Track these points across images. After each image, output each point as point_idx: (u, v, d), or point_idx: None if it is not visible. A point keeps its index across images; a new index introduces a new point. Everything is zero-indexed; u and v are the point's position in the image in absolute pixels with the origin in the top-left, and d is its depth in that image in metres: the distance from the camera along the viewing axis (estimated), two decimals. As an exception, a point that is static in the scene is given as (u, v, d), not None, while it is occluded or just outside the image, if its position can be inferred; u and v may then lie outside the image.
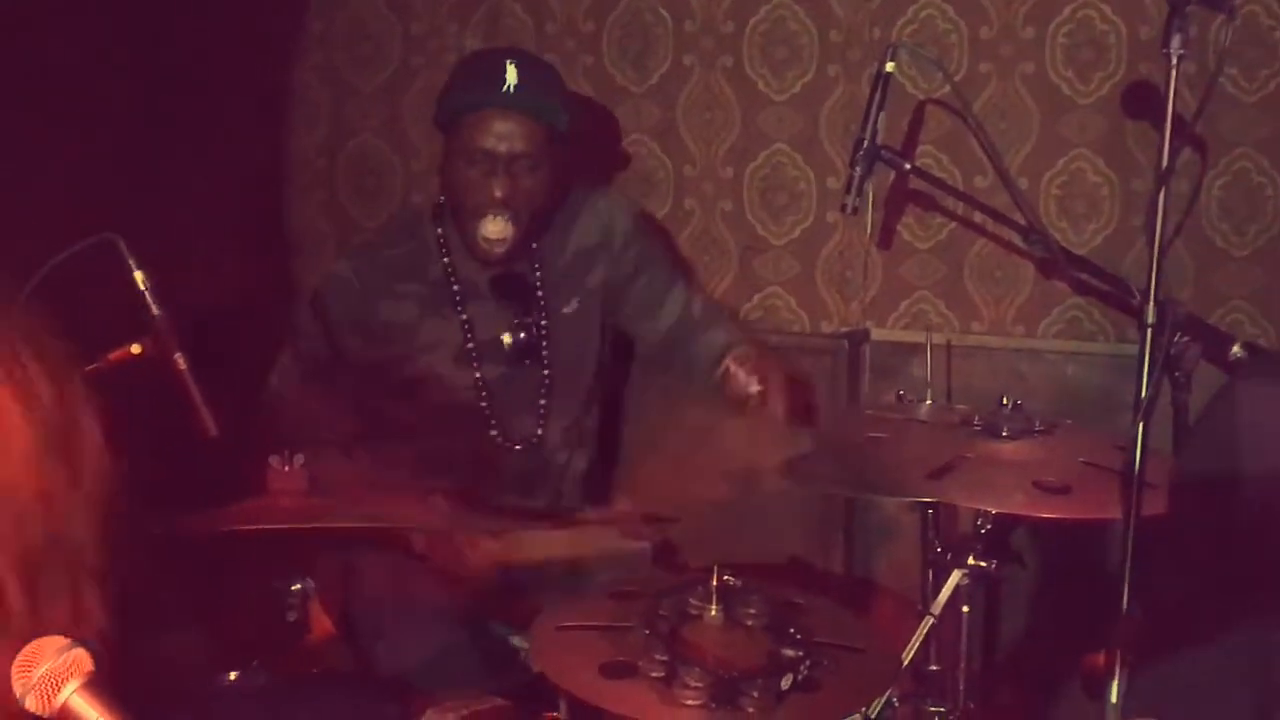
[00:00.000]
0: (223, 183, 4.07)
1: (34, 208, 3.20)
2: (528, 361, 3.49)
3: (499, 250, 3.39)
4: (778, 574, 3.66)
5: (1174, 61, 2.41)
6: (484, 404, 3.47)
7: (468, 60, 3.60)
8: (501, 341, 3.47)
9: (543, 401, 3.52)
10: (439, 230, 3.49)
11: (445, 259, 3.47)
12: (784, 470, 3.09)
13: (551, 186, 3.43)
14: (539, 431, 3.52)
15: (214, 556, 3.19)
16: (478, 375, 3.46)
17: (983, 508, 2.82)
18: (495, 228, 3.36)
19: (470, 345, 3.46)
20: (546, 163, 3.38)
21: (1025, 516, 2.99)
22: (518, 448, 3.51)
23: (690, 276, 3.81)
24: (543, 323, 3.51)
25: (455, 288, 3.47)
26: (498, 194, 3.32)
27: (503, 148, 3.32)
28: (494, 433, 3.49)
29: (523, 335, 3.47)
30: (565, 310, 3.55)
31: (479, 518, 3.18)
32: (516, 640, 2.85)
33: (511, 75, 3.31)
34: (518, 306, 3.50)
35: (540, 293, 3.52)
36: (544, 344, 3.51)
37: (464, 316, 3.47)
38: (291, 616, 2.53)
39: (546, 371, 3.52)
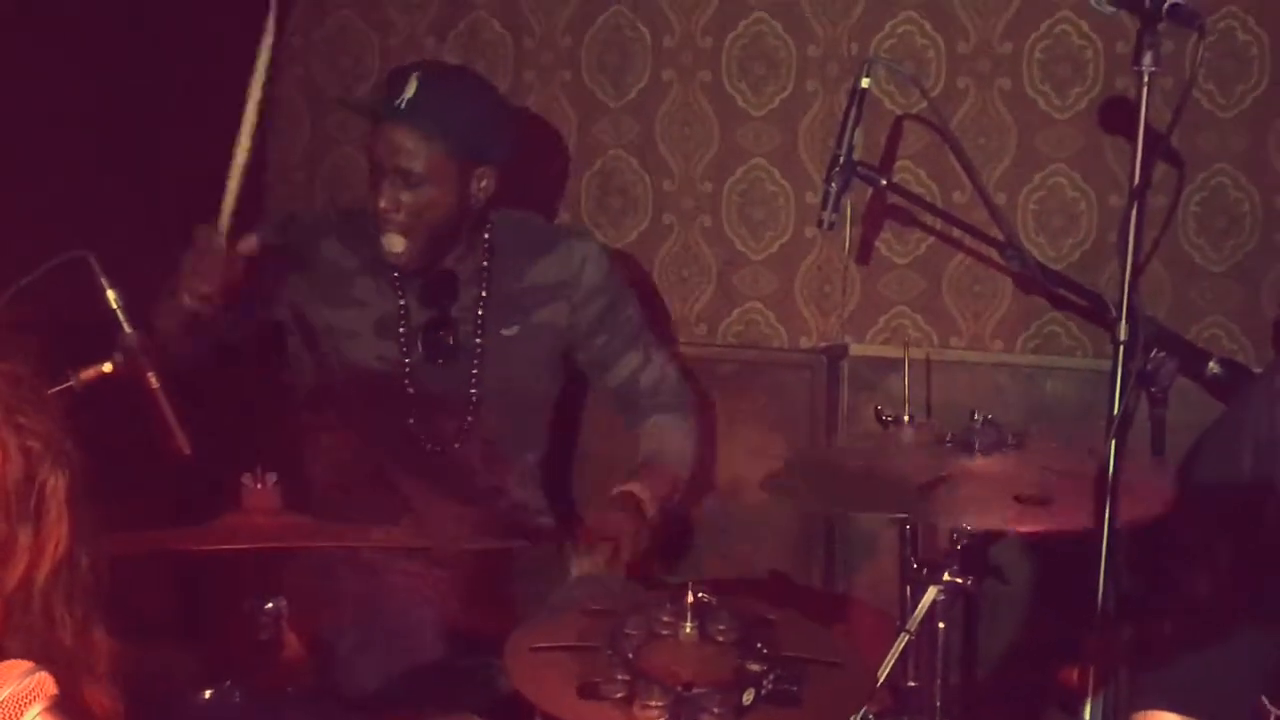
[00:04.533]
0: (199, 197, 4.06)
1: (4, 224, 3.18)
2: (440, 361, 3.45)
3: (399, 260, 3.36)
4: (756, 589, 3.67)
5: (1145, 78, 2.42)
6: (407, 385, 3.45)
7: (396, 68, 3.51)
8: (418, 336, 3.45)
9: (469, 417, 3.49)
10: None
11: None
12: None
13: (451, 205, 3.34)
14: (456, 444, 3.49)
15: (187, 575, 3.20)
16: (403, 349, 3.44)
17: (969, 525, 2.82)
18: (388, 240, 3.32)
19: (402, 316, 3.44)
20: (438, 181, 3.29)
21: (1003, 532, 3.01)
22: (430, 448, 3.48)
23: (654, 344, 3.70)
24: (477, 339, 3.47)
25: (395, 271, 3.43)
26: (381, 204, 3.28)
27: (389, 161, 3.27)
28: (411, 420, 3.46)
29: (426, 340, 3.45)
30: (504, 332, 3.49)
31: (450, 534, 3.19)
32: None
33: (410, 88, 3.25)
34: (436, 311, 3.47)
35: (481, 311, 3.47)
36: (475, 356, 3.47)
37: (401, 299, 3.44)
38: (264, 635, 2.52)
39: (474, 390, 3.48)
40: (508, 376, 3.51)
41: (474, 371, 3.47)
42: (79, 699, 1.56)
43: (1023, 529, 2.82)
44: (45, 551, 1.54)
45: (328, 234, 3.47)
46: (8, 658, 1.51)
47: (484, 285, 3.48)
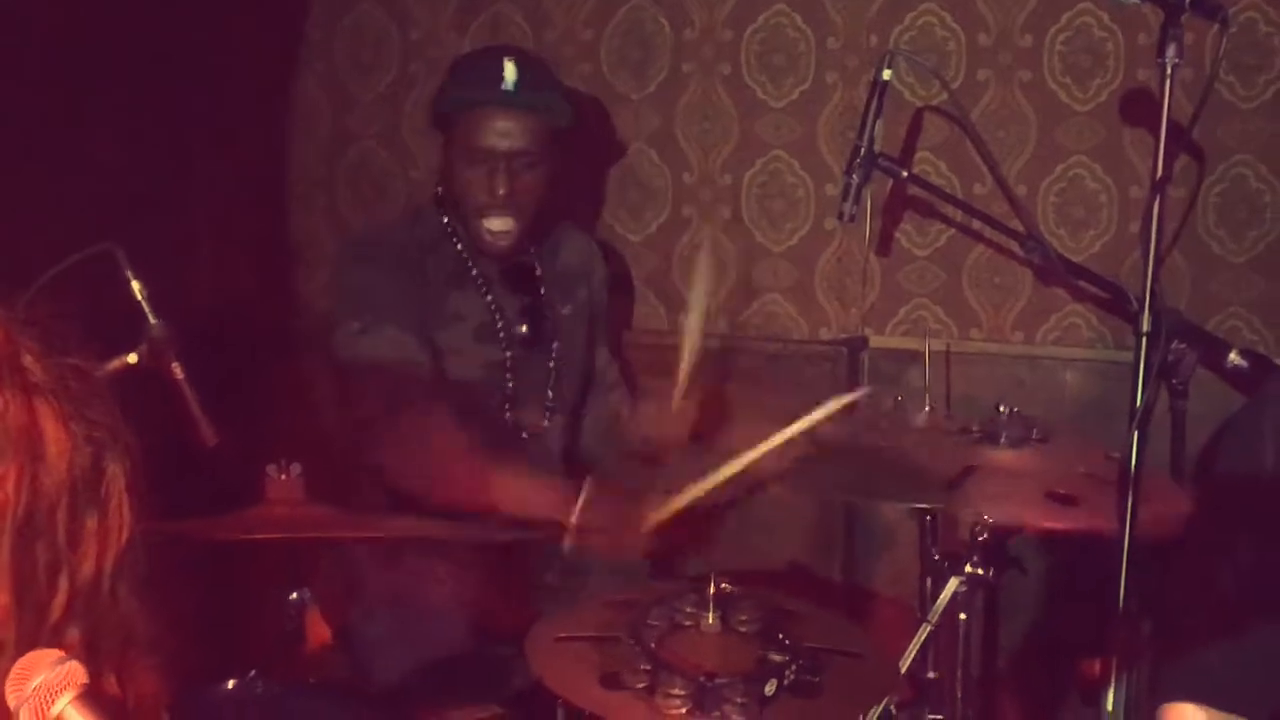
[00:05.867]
0: (223, 190, 4.08)
1: (33, 217, 3.20)
2: (537, 349, 3.50)
3: (504, 243, 3.39)
4: (777, 580, 3.68)
5: (1168, 70, 2.42)
6: (510, 384, 3.46)
7: (464, 59, 3.56)
8: (515, 327, 3.47)
9: (550, 393, 3.53)
10: (444, 220, 3.46)
11: (458, 245, 3.45)
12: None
13: (552, 182, 3.42)
14: (545, 423, 3.53)
15: (212, 565, 3.21)
16: (507, 354, 3.45)
17: (1000, 520, 2.81)
18: (500, 224, 3.36)
19: (499, 322, 3.46)
20: (547, 159, 3.37)
21: (1024, 525, 3.01)
22: (524, 435, 3.50)
23: (614, 340, 3.87)
24: (548, 316, 3.53)
25: (474, 270, 3.45)
26: (501, 192, 3.31)
27: (504, 145, 3.31)
28: (508, 415, 3.48)
29: (525, 327, 3.48)
30: (564, 311, 3.58)
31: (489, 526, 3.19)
32: None
33: (510, 72, 3.30)
34: (526, 297, 3.51)
35: (543, 290, 3.54)
36: (554, 338, 3.53)
37: (488, 297, 3.46)
38: (288, 626, 2.54)
39: (553, 364, 3.53)
40: (572, 353, 3.59)
41: (554, 349, 3.53)
42: (128, 684, 1.58)
43: (1054, 526, 2.81)
44: (110, 539, 1.56)
45: (415, 251, 3.45)
46: (69, 644, 1.53)
47: (539, 266, 3.55)
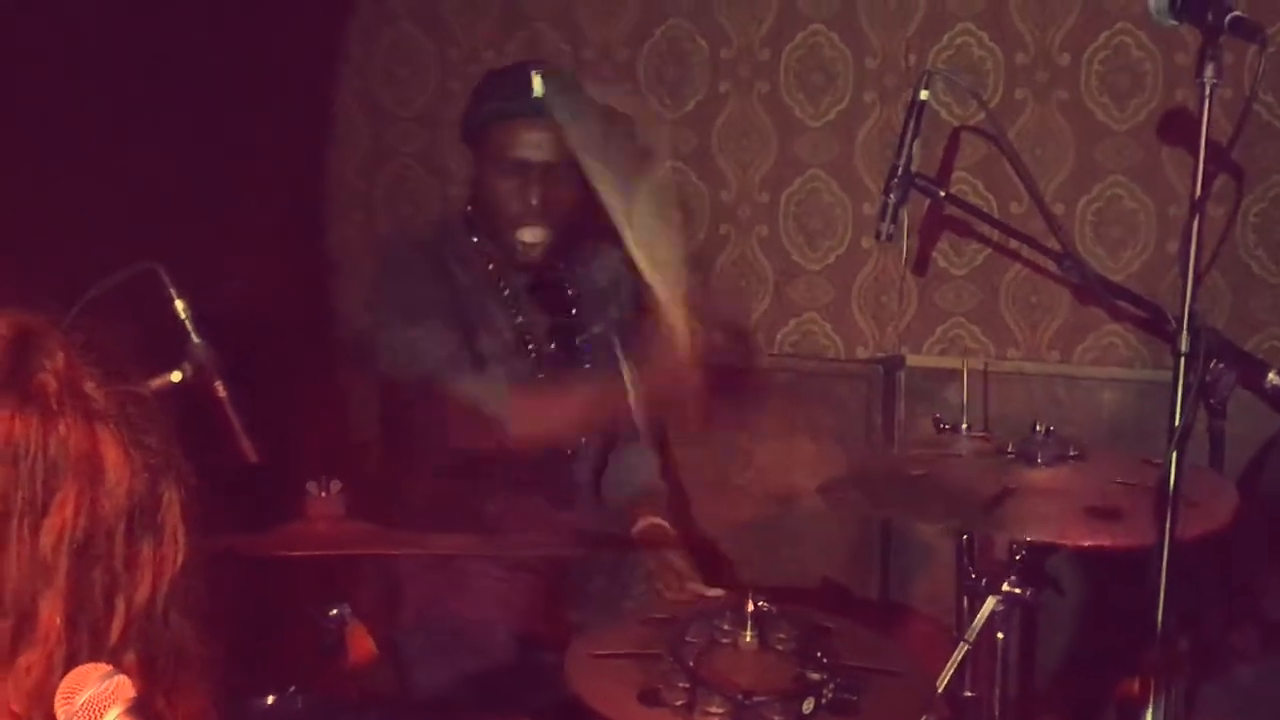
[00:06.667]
0: (261, 206, 4.10)
1: (73, 234, 3.23)
2: (567, 370, 3.48)
3: (535, 254, 3.39)
4: (813, 598, 3.68)
5: (1207, 90, 2.41)
6: None
7: (492, 74, 3.56)
8: (545, 346, 3.47)
9: None
10: (474, 240, 3.46)
11: (490, 266, 3.45)
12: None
13: (583, 193, 3.42)
14: (583, 440, 3.53)
15: (252, 582, 3.22)
16: (537, 375, 3.43)
17: (1040, 539, 2.80)
18: (532, 234, 3.35)
19: (528, 341, 3.45)
20: (578, 170, 3.34)
21: (1060, 544, 3.00)
22: (560, 453, 3.51)
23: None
24: (581, 335, 3.52)
25: (505, 290, 3.45)
26: (534, 203, 3.32)
27: (537, 157, 3.32)
28: None
29: (553, 345, 3.48)
30: (595, 330, 3.55)
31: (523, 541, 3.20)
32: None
33: (538, 85, 3.30)
34: (556, 316, 3.51)
35: (574, 309, 3.53)
36: (587, 359, 3.51)
37: (518, 318, 3.46)
38: (328, 641, 2.55)
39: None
40: (603, 370, 3.53)
41: (586, 368, 3.50)
42: (177, 704, 1.60)
43: (1096, 543, 2.79)
44: (166, 564, 1.58)
45: (454, 258, 3.46)
46: (126, 667, 1.54)
47: (570, 285, 3.54)
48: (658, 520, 3.44)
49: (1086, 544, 2.77)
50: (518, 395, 3.16)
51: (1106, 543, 2.70)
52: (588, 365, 3.51)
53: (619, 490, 3.61)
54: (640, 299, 3.69)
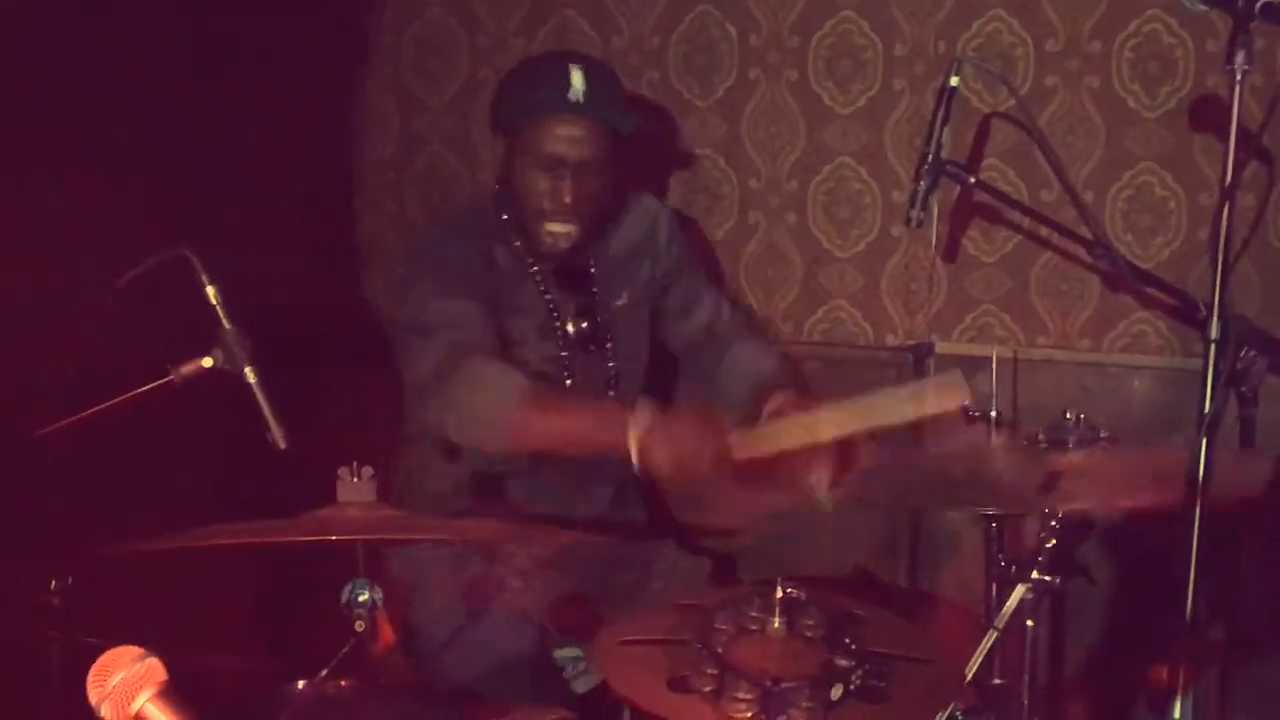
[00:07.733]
0: (291, 194, 4.11)
1: (102, 221, 3.24)
2: (592, 348, 3.49)
3: (564, 245, 3.38)
4: (841, 586, 3.68)
5: (1238, 77, 2.40)
6: (567, 378, 3.46)
7: (528, 63, 3.54)
8: (567, 328, 3.47)
9: (611, 393, 3.51)
10: (504, 217, 3.45)
11: (517, 243, 3.44)
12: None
13: (615, 188, 3.43)
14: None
15: (282, 568, 3.24)
16: (563, 353, 3.46)
17: (1111, 508, 2.75)
18: (561, 227, 3.35)
19: (556, 317, 3.46)
20: (611, 167, 3.36)
21: (1090, 530, 2.99)
22: None
23: (719, 283, 3.81)
24: (603, 313, 3.52)
25: (535, 268, 3.45)
26: (567, 200, 3.31)
27: (573, 154, 3.30)
28: None
29: (584, 324, 3.48)
30: (618, 303, 3.54)
31: (545, 530, 3.20)
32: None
33: (578, 81, 3.28)
34: (579, 297, 3.51)
35: (595, 289, 3.53)
36: (608, 336, 3.51)
37: (547, 295, 3.46)
38: (360, 626, 2.55)
39: (612, 364, 3.52)
40: (628, 346, 3.57)
41: (608, 347, 3.51)
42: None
43: (1140, 504, 2.75)
44: None
45: (493, 238, 3.45)
46: None
47: (591, 263, 3.53)
48: (794, 397, 3.32)
49: (1129, 506, 2.72)
50: (526, 403, 3.11)
51: (1149, 502, 2.65)
52: (609, 344, 3.51)
53: (740, 380, 3.52)
54: (680, 237, 3.67)
